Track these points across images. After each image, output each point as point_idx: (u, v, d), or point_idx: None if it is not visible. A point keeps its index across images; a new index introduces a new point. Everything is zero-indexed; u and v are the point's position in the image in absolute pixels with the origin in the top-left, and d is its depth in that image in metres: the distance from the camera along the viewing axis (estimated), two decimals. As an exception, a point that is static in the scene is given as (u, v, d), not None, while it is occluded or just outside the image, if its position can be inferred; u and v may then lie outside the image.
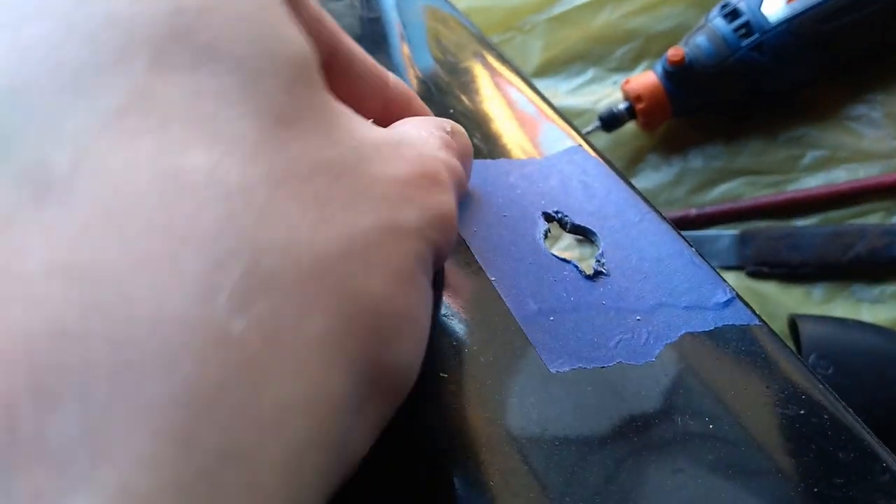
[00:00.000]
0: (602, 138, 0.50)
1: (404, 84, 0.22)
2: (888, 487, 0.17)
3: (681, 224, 0.46)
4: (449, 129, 0.20)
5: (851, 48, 0.46)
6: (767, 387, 0.19)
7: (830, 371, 0.34)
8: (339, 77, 0.19)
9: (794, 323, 0.38)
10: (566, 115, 0.51)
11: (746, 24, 0.45)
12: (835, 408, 0.19)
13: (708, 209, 0.46)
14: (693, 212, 0.46)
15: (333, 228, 0.12)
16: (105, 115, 0.11)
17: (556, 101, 0.53)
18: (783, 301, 0.43)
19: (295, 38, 0.14)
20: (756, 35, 0.45)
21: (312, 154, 0.13)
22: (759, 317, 0.21)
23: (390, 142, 0.16)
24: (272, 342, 0.11)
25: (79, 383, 0.09)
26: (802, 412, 0.18)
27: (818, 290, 0.43)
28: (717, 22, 0.46)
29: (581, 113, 0.52)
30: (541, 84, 0.54)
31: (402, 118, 0.20)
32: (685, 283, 0.21)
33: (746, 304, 0.21)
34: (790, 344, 0.41)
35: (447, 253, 0.17)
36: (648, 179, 0.49)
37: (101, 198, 0.10)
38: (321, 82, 0.15)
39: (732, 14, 0.46)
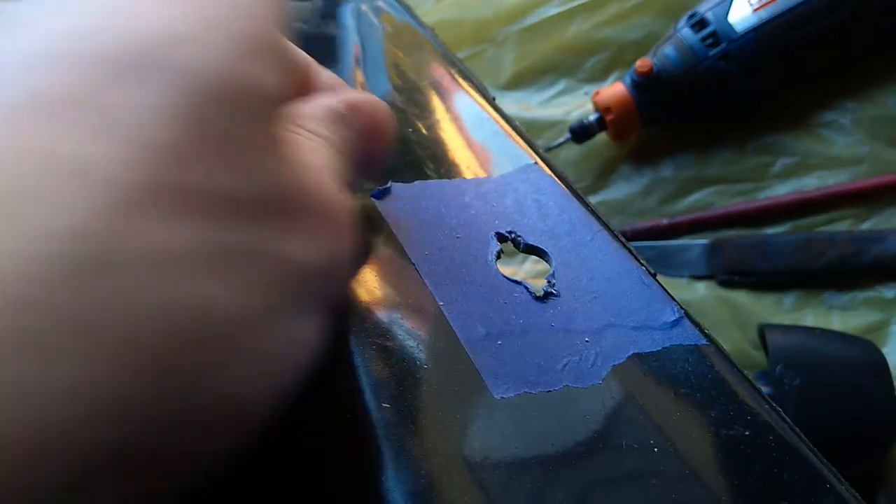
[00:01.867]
0: (573, 150, 0.50)
1: (331, 74, 0.22)
2: (832, 509, 0.17)
3: (652, 234, 0.46)
4: (340, 107, 0.19)
5: (819, 56, 0.47)
6: (713, 408, 0.19)
7: (797, 381, 0.34)
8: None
9: (763, 332, 0.38)
10: (537, 127, 0.51)
11: (714, 34, 0.45)
12: (781, 428, 0.18)
13: (679, 219, 0.46)
14: (664, 221, 0.46)
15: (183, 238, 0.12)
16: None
17: (527, 114, 0.53)
18: (754, 310, 0.43)
19: (263, 74, 0.14)
20: (723, 44, 0.45)
21: (237, 188, 0.13)
22: (707, 336, 0.20)
23: (297, 182, 0.16)
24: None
25: None
26: (748, 433, 0.18)
27: (789, 298, 0.43)
28: (685, 32, 0.46)
29: (553, 124, 0.52)
30: (512, 96, 0.54)
31: None
32: (634, 303, 0.21)
33: (696, 323, 0.21)
34: (759, 352, 0.41)
35: (349, 280, 0.18)
36: (620, 190, 0.49)
37: None
38: (269, 117, 0.15)
39: (700, 24, 0.46)
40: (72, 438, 0.10)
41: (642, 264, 0.23)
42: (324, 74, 0.21)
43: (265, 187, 0.14)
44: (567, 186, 0.25)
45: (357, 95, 0.21)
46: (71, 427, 0.10)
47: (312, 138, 0.18)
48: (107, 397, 0.11)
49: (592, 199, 0.49)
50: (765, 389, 0.36)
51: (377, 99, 0.21)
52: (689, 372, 0.20)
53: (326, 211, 0.16)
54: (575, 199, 0.25)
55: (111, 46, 0.13)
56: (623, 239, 0.24)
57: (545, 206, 0.25)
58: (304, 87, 0.20)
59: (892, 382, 0.36)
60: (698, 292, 0.44)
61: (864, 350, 0.37)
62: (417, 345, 0.20)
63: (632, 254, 0.23)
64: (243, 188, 0.13)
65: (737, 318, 0.43)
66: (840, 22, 0.45)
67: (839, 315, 0.42)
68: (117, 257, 0.11)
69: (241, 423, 0.14)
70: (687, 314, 0.21)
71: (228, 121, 0.13)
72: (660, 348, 0.20)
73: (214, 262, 0.13)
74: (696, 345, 0.20)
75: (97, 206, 0.11)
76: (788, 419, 0.19)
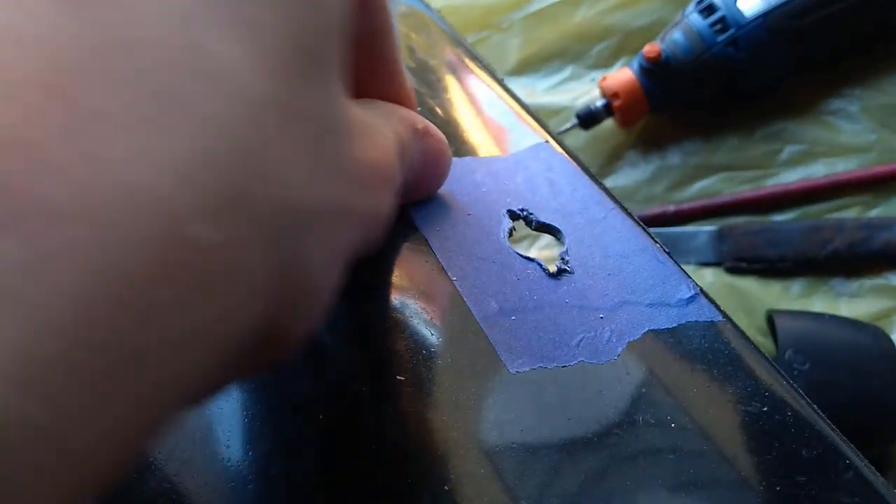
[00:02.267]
0: (580, 136, 0.50)
1: (413, 93, 0.22)
2: (851, 485, 0.17)
3: (659, 221, 0.46)
4: (421, 128, 0.20)
5: (827, 42, 0.46)
6: (730, 384, 0.19)
7: (807, 366, 0.34)
8: (368, 51, 0.19)
9: (771, 319, 0.38)
10: (543, 113, 0.51)
11: (722, 20, 0.45)
12: (799, 404, 0.18)
13: (686, 205, 0.46)
14: (671, 208, 0.46)
15: (308, 186, 0.12)
16: None
17: (533, 99, 0.53)
18: (762, 296, 0.43)
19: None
20: (732, 30, 0.45)
21: (318, 105, 0.13)
22: (723, 313, 0.20)
23: (367, 126, 0.16)
24: (220, 262, 0.10)
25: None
26: (765, 409, 0.18)
27: (797, 285, 0.43)
28: (693, 18, 0.46)
29: (559, 111, 0.52)
30: (518, 82, 0.54)
31: None
32: (649, 280, 0.21)
33: (711, 300, 0.21)
34: (766, 339, 0.40)
35: (372, 249, 0.17)
36: (626, 177, 0.49)
37: (115, 30, 0.10)
38: (344, 39, 0.15)
39: (708, 9, 0.46)
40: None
41: (657, 242, 0.22)
42: (407, 79, 0.22)
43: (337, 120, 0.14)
44: (579, 165, 0.25)
45: (434, 127, 0.21)
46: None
47: (390, 130, 0.18)
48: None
49: (598, 186, 0.49)
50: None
51: (444, 139, 0.22)
52: (706, 348, 0.19)
53: (382, 184, 0.16)
54: (587, 177, 0.25)
55: None
56: (636, 218, 0.23)
57: (557, 184, 0.24)
58: (395, 84, 0.21)
59: (900, 369, 0.36)
60: (706, 279, 0.44)
61: (873, 336, 0.37)
62: (431, 319, 0.20)
63: (646, 232, 0.23)
64: (335, 121, 0.14)
65: (744, 304, 0.43)
66: (848, 8, 0.45)
67: (847, 302, 0.42)
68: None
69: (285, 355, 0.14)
70: (702, 291, 0.21)
71: (324, 45, 0.13)
72: (675, 325, 0.20)
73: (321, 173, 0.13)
74: (712, 321, 0.20)
75: (243, 115, 0.11)
76: (805, 396, 0.19)
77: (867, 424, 0.35)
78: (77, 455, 0.09)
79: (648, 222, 0.47)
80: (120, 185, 0.09)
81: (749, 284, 0.43)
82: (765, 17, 0.44)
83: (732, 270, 0.44)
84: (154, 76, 0.10)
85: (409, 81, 0.21)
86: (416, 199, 0.23)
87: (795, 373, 0.34)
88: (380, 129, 0.17)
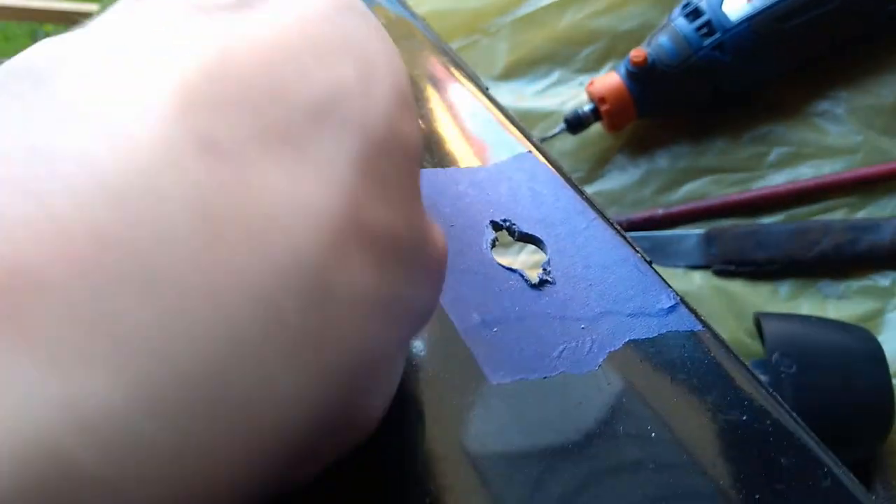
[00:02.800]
0: (568, 140, 0.50)
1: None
2: (830, 492, 0.17)
3: (647, 224, 0.46)
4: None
5: (813, 45, 0.47)
6: (709, 393, 0.19)
7: (794, 369, 0.34)
8: None
9: (759, 321, 0.38)
10: (531, 118, 0.51)
11: (708, 24, 0.45)
12: (778, 413, 0.18)
13: (674, 209, 0.46)
14: (659, 212, 0.46)
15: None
16: None
17: (521, 104, 0.53)
18: (750, 299, 0.43)
19: (414, 128, 0.15)
20: (718, 34, 0.45)
21: (399, 233, 0.14)
22: (703, 322, 0.20)
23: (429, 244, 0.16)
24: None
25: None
26: (745, 418, 0.18)
27: (785, 288, 0.43)
28: (679, 22, 0.46)
29: (547, 115, 0.52)
30: (506, 87, 0.54)
31: None
32: (630, 290, 0.21)
33: (691, 310, 0.21)
34: (755, 341, 0.41)
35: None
36: (615, 181, 0.49)
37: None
38: (417, 170, 0.15)
39: (694, 13, 0.46)
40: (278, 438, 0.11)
41: (638, 251, 0.22)
42: None
43: (416, 233, 0.15)
44: (562, 175, 0.25)
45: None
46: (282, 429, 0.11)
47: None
48: (309, 406, 0.12)
49: (587, 190, 0.49)
50: (761, 378, 0.36)
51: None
52: (686, 358, 0.20)
53: (439, 267, 0.17)
54: (570, 188, 0.25)
55: (299, 94, 0.13)
56: (618, 227, 0.24)
57: (540, 194, 0.25)
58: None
59: (888, 370, 0.36)
60: (694, 282, 0.44)
61: (860, 338, 0.37)
62: (413, 333, 0.20)
63: (627, 241, 0.23)
64: (404, 234, 0.14)
65: (732, 307, 0.43)
66: (834, 11, 0.45)
67: (834, 304, 0.42)
68: (332, 291, 0.12)
69: (367, 428, 0.15)
70: (683, 300, 0.21)
71: (393, 171, 0.14)
72: (656, 334, 0.20)
73: (385, 304, 0.13)
74: (692, 331, 0.20)
75: (316, 241, 0.12)
76: (785, 404, 0.19)
77: (854, 426, 0.35)
78: None
79: (637, 226, 0.47)
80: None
81: (737, 287, 0.44)
82: (750, 20, 0.44)
83: (721, 273, 0.44)
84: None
85: None
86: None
87: (782, 375, 0.34)
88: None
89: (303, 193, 0.12)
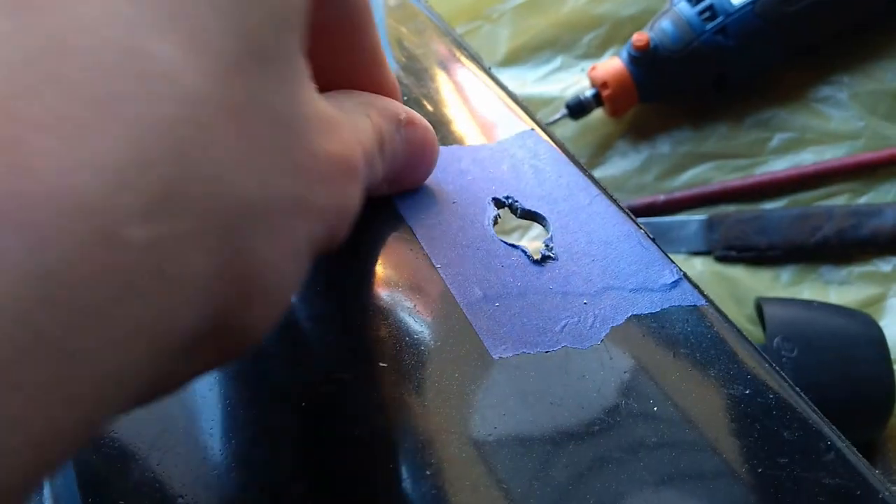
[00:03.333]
0: (570, 126, 0.50)
1: (397, 83, 0.22)
2: (832, 465, 0.17)
3: (649, 210, 0.46)
4: (403, 118, 0.20)
5: (815, 30, 0.46)
6: (712, 367, 0.19)
7: (795, 353, 0.34)
8: (345, 42, 0.19)
9: (760, 306, 0.38)
10: (534, 104, 0.51)
11: (710, 7, 0.45)
12: (781, 387, 0.18)
13: (676, 195, 0.46)
14: (661, 198, 0.46)
15: (254, 182, 0.12)
16: None
17: (524, 90, 0.53)
18: (752, 284, 0.43)
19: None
20: (720, 18, 0.45)
21: (269, 100, 0.13)
22: (706, 297, 0.20)
23: (331, 119, 0.16)
24: (154, 261, 0.10)
25: None
26: (748, 392, 0.18)
27: (786, 273, 0.43)
28: (682, 6, 0.46)
29: (549, 101, 0.51)
30: (509, 73, 0.54)
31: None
32: (633, 266, 0.21)
33: (694, 285, 0.21)
34: (756, 327, 0.41)
35: (339, 242, 0.17)
36: (616, 166, 0.49)
37: (54, 35, 0.10)
38: (303, 32, 0.15)
39: (697, -3, 0.46)
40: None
41: (641, 228, 0.22)
42: (392, 77, 0.22)
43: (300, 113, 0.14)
44: (564, 152, 0.25)
45: (418, 116, 0.21)
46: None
47: (366, 121, 0.18)
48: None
49: (589, 176, 0.49)
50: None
51: (431, 130, 0.22)
52: (689, 332, 0.19)
53: (341, 161, 0.16)
54: (572, 164, 0.25)
55: None
56: (620, 204, 0.23)
57: (542, 171, 0.24)
58: (376, 74, 0.21)
59: (888, 355, 0.36)
60: (695, 268, 0.44)
61: (861, 323, 0.37)
62: (415, 307, 0.20)
63: (630, 218, 0.23)
64: (286, 109, 0.14)
65: (734, 292, 0.43)
66: (837, -5, 0.45)
67: (836, 289, 0.42)
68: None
69: (248, 331, 0.14)
70: (686, 276, 0.21)
71: (275, 40, 0.13)
72: (658, 309, 0.20)
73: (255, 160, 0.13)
74: (694, 305, 0.20)
75: (177, 117, 0.11)
76: (788, 378, 0.19)
77: (855, 410, 0.35)
78: (13, 452, 0.09)
79: (639, 212, 0.47)
80: (48, 190, 0.09)
81: (739, 273, 0.43)
82: (753, 4, 0.44)
83: (722, 259, 0.44)
84: (89, 80, 0.10)
85: (392, 72, 0.21)
86: (404, 190, 0.23)
87: (783, 360, 0.34)
88: (351, 122, 0.17)
89: (169, 60, 0.11)
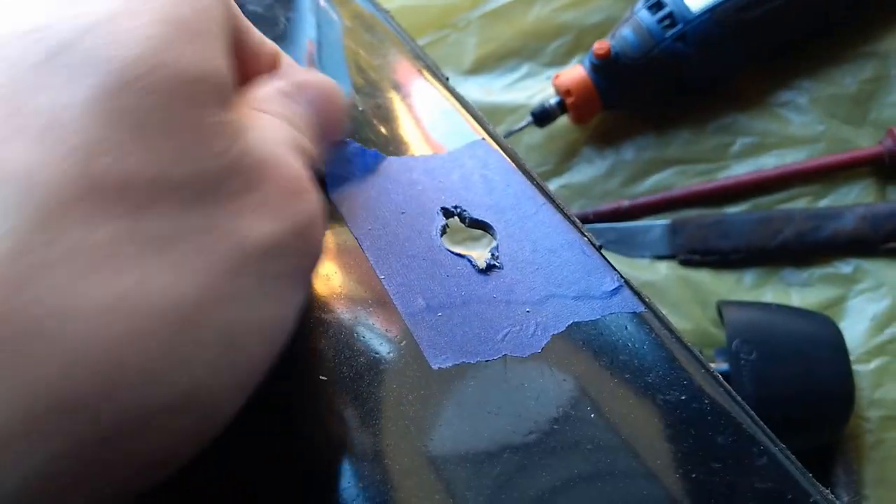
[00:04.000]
0: (536, 134, 0.50)
1: (272, 46, 0.22)
2: (765, 471, 0.17)
3: (614, 216, 0.46)
4: (291, 89, 0.20)
5: (775, 35, 0.47)
6: (650, 373, 0.19)
7: (753, 355, 0.34)
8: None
9: (721, 310, 0.39)
10: (500, 112, 0.51)
11: (670, 15, 0.45)
12: (716, 392, 0.19)
13: (640, 200, 0.46)
14: (625, 203, 0.47)
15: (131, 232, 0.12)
16: None
17: (490, 98, 0.53)
18: (715, 288, 0.43)
19: (200, 57, 0.14)
20: (680, 25, 0.45)
21: (166, 173, 0.13)
22: (646, 303, 0.20)
23: (251, 159, 0.15)
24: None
25: None
26: (683, 398, 0.18)
27: (749, 276, 0.43)
28: (642, 14, 0.46)
29: (516, 108, 0.52)
30: (476, 81, 0.54)
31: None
32: (575, 273, 0.21)
33: (635, 292, 0.21)
34: (719, 330, 0.41)
35: (317, 253, 0.17)
36: (582, 173, 0.49)
37: None
38: (213, 100, 0.14)
39: (657, 5, 0.46)
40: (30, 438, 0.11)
41: (585, 235, 0.23)
42: (285, 60, 0.22)
43: (205, 167, 0.14)
44: (514, 161, 0.25)
45: (304, 75, 0.21)
46: (28, 428, 0.10)
47: (266, 115, 0.18)
48: (61, 400, 0.11)
49: (555, 183, 0.49)
50: (723, 365, 0.36)
51: (323, 76, 0.22)
52: (627, 339, 0.20)
53: (284, 182, 0.16)
54: (520, 174, 0.25)
55: (31, 45, 0.13)
56: (568, 212, 0.24)
57: (491, 180, 0.25)
58: (264, 68, 0.20)
59: (847, 356, 0.36)
60: (660, 272, 0.44)
61: (820, 324, 0.37)
62: (356, 318, 0.20)
63: (576, 226, 0.23)
64: (175, 172, 0.13)
65: (698, 296, 0.43)
66: (794, 1, 0.45)
67: (798, 291, 0.42)
68: (46, 261, 0.11)
69: (212, 416, 0.14)
70: (627, 282, 0.21)
71: (151, 106, 0.13)
72: (599, 316, 0.20)
73: (150, 250, 0.12)
74: (634, 312, 0.20)
75: (21, 211, 0.11)
76: (725, 383, 0.19)
77: (815, 412, 0.36)
78: None
79: (604, 217, 0.47)
80: None
81: (703, 276, 0.44)
82: (712, 11, 0.45)
83: (686, 263, 0.44)
84: None
85: (263, 41, 0.21)
86: (330, 144, 0.23)
87: (742, 362, 0.34)
88: (265, 145, 0.17)
89: (12, 160, 0.11)
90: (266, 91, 0.19)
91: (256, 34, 0.20)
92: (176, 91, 0.13)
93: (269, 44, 0.21)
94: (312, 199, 0.17)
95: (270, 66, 0.21)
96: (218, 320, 0.13)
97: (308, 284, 0.17)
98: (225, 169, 0.14)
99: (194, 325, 0.13)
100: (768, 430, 0.18)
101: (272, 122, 0.18)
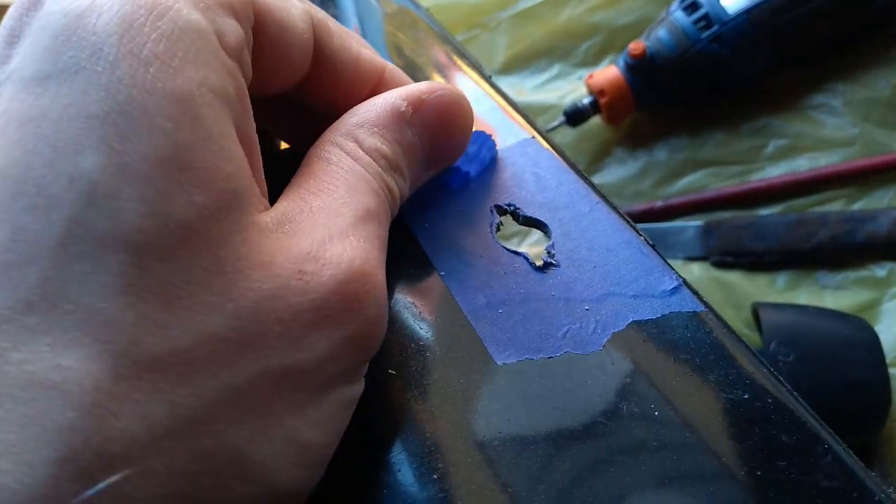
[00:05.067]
0: (568, 134, 0.50)
1: (401, 73, 0.21)
2: (830, 468, 0.17)
3: (646, 217, 0.47)
4: (406, 111, 0.19)
5: (810, 38, 0.47)
6: (711, 372, 0.19)
7: (791, 358, 0.34)
8: (327, 71, 0.19)
9: (756, 312, 0.39)
10: (531, 111, 0.52)
11: (706, 17, 0.45)
12: (778, 391, 0.19)
13: (673, 201, 0.47)
14: (658, 204, 0.47)
15: (191, 399, 0.13)
16: None
17: (521, 98, 0.53)
18: (748, 290, 0.43)
19: (202, 184, 0.14)
20: (715, 27, 0.45)
21: (186, 330, 0.13)
22: (705, 303, 0.21)
23: (298, 269, 0.15)
24: None
25: None
26: (746, 396, 0.19)
27: (782, 278, 0.43)
28: (677, 15, 0.46)
29: (547, 109, 0.52)
30: (506, 81, 0.54)
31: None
32: (633, 272, 0.22)
33: (694, 291, 0.21)
34: (753, 332, 0.41)
35: (377, 345, 0.17)
36: (614, 174, 0.49)
37: None
38: (225, 230, 0.14)
39: (692, 6, 0.46)
40: None
41: (641, 235, 0.23)
42: (386, 71, 0.21)
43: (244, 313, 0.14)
44: (564, 160, 0.26)
45: (423, 87, 0.20)
46: None
47: (363, 168, 0.18)
48: None
49: (586, 183, 0.50)
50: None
51: (447, 87, 0.20)
52: (688, 338, 0.20)
53: (342, 289, 0.15)
54: (573, 172, 0.25)
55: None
56: (621, 211, 0.24)
57: (543, 178, 0.25)
58: (364, 87, 0.20)
59: (884, 359, 0.36)
60: (693, 273, 0.44)
61: (857, 327, 0.37)
62: (420, 314, 0.20)
63: (630, 225, 0.23)
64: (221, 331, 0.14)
65: (731, 298, 0.43)
66: (830, 4, 0.45)
67: (832, 294, 0.42)
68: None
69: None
70: (685, 282, 0.21)
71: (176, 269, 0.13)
72: (659, 315, 0.20)
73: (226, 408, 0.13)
74: (694, 311, 0.20)
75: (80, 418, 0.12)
76: (786, 383, 0.19)
77: (851, 414, 0.36)
78: None
79: (636, 218, 0.47)
80: None
81: (735, 278, 0.44)
82: (748, 13, 0.45)
83: (719, 265, 0.44)
84: None
85: (358, 56, 0.20)
86: (445, 166, 0.23)
87: (780, 364, 0.34)
88: (324, 245, 0.16)
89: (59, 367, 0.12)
90: (375, 115, 0.18)
91: (350, 51, 0.19)
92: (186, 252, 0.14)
93: (371, 59, 0.20)
94: (371, 302, 0.16)
95: (374, 84, 0.20)
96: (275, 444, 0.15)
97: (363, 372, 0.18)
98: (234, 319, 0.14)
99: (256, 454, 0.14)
100: (831, 430, 0.18)
101: (367, 179, 0.18)
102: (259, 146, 0.16)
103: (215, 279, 0.14)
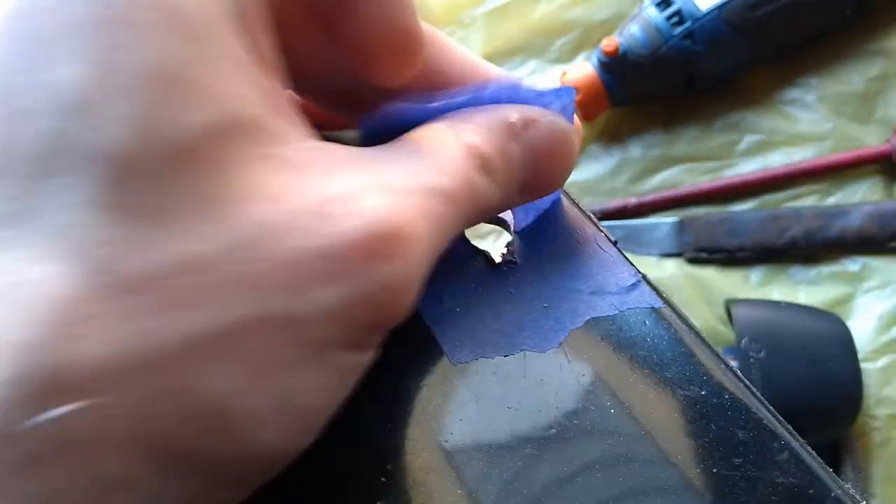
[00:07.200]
0: (542, 130, 0.50)
1: (498, 71, 0.20)
2: (786, 465, 0.17)
3: (621, 213, 0.46)
4: (516, 121, 0.17)
5: (783, 33, 0.47)
6: (669, 368, 0.19)
7: (763, 354, 0.34)
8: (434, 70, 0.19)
9: (729, 308, 0.39)
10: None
11: (678, 13, 0.45)
12: (736, 387, 0.19)
13: (647, 198, 0.46)
14: (632, 201, 0.46)
15: (169, 331, 0.12)
16: None
17: (497, 95, 0.53)
18: (722, 286, 0.43)
19: (204, 106, 0.13)
20: (688, 23, 0.45)
21: (171, 254, 0.12)
22: (664, 299, 0.20)
23: (317, 211, 0.13)
24: (64, 445, 0.11)
25: None
26: (703, 393, 0.18)
27: (756, 274, 0.43)
28: (650, 11, 0.46)
29: (522, 105, 0.52)
30: (481, 78, 0.54)
31: None
32: (592, 269, 0.21)
33: (653, 287, 0.21)
34: (727, 328, 0.41)
35: (395, 319, 0.15)
36: (589, 170, 0.49)
37: None
38: (231, 156, 0.13)
39: (665, 3, 0.46)
40: None
41: (601, 230, 0.22)
42: (486, 69, 0.20)
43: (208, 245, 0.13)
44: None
45: (538, 112, 0.18)
46: None
47: (454, 154, 0.16)
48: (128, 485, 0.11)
49: (562, 180, 0.49)
50: (732, 363, 0.36)
51: (563, 121, 0.19)
52: (646, 334, 0.20)
53: (360, 241, 0.13)
54: (535, 169, 0.25)
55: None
56: (583, 207, 0.24)
57: (505, 176, 0.25)
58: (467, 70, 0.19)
59: (855, 354, 0.36)
60: (667, 270, 0.44)
61: (829, 323, 0.37)
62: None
63: (591, 221, 0.23)
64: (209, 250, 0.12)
65: (705, 294, 0.43)
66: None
67: (805, 289, 0.42)
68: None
69: (271, 468, 0.14)
70: (645, 277, 0.21)
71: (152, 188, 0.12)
72: (616, 312, 0.20)
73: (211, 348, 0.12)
74: (653, 307, 0.20)
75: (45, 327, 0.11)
76: (744, 379, 0.19)
77: (824, 409, 0.36)
78: None
79: (611, 215, 0.47)
80: None
81: (710, 274, 0.44)
82: (720, 9, 0.45)
83: (693, 261, 0.44)
84: None
85: (463, 62, 0.19)
86: (540, 197, 0.21)
87: (752, 360, 0.34)
88: (386, 171, 0.15)
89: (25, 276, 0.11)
90: (486, 119, 0.17)
91: (452, 54, 0.19)
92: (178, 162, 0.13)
93: (476, 67, 0.19)
94: (396, 267, 0.14)
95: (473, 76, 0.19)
96: (276, 395, 0.13)
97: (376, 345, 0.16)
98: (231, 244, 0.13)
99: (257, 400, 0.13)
100: (788, 426, 0.18)
101: (446, 156, 0.16)
102: (289, 75, 0.15)
103: (212, 205, 0.12)
